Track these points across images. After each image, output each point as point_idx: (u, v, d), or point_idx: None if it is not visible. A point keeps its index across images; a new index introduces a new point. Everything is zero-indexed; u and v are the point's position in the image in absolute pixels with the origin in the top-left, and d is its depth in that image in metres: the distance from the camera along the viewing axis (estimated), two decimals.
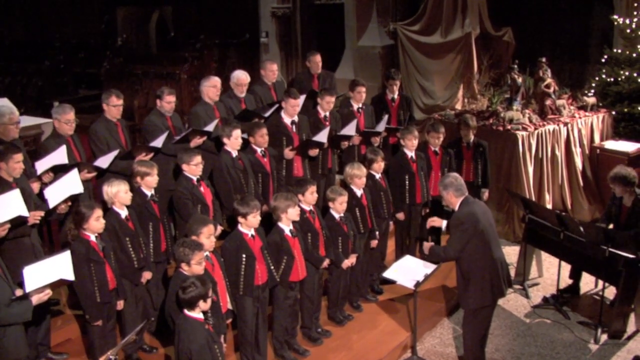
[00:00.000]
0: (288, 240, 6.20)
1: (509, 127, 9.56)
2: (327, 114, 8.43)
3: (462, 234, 5.96)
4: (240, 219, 5.92)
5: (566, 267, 7.93)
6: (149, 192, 6.44)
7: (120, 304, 5.99)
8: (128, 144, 7.51)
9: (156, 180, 6.45)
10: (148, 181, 6.39)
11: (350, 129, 8.26)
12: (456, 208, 6.10)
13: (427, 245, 6.41)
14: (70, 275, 5.27)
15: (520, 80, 9.96)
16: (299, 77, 10.16)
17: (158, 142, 7.25)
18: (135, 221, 6.22)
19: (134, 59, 13.14)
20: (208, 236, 5.56)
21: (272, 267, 6.09)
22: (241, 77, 8.49)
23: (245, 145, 7.42)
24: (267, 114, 8.27)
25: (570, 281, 8.03)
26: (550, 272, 8.40)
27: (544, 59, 10.01)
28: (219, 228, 6.81)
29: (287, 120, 8.01)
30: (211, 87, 8.05)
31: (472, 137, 8.49)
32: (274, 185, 7.58)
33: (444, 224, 6.38)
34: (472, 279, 6.01)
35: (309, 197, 6.52)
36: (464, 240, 5.96)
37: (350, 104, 8.84)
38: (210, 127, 7.60)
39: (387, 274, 6.67)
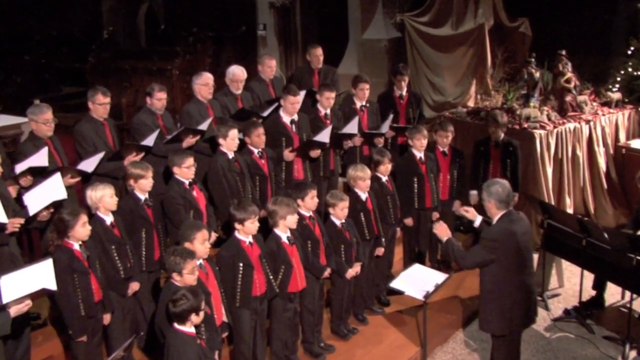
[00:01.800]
0: (285, 248, 6.21)
1: (525, 125, 9.56)
2: (328, 111, 8.46)
3: (489, 251, 5.74)
4: (237, 225, 5.93)
5: (589, 277, 7.91)
6: (142, 196, 6.45)
7: (106, 318, 5.98)
8: (116, 145, 7.54)
9: (151, 184, 6.46)
10: (142, 184, 6.40)
11: (352, 127, 8.27)
12: (494, 220, 5.85)
13: (443, 229, 6.19)
14: (52, 285, 5.27)
15: (537, 74, 9.97)
16: (298, 72, 10.19)
17: (149, 141, 7.27)
18: (122, 228, 6.21)
19: (121, 54, 13.15)
20: (202, 242, 5.57)
21: (271, 277, 6.10)
22: (237, 73, 8.51)
23: (242, 146, 7.44)
24: (265, 113, 8.29)
25: (593, 292, 8.00)
26: (572, 282, 8.39)
27: (563, 52, 10.01)
28: (214, 235, 6.80)
29: (286, 119, 8.03)
30: (203, 86, 8.08)
31: (501, 136, 8.45)
32: (272, 188, 7.60)
33: (478, 219, 6.16)
34: (492, 302, 5.86)
35: (309, 202, 6.53)
36: (488, 259, 5.76)
37: (353, 101, 8.86)
38: (203, 126, 7.62)
39: (395, 284, 6.68)
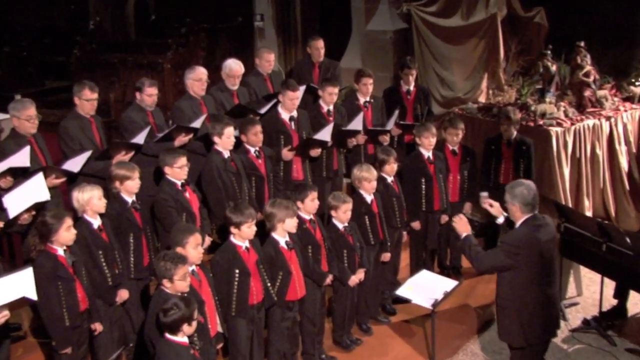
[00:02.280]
0: (283, 253, 6.22)
1: (541, 122, 9.56)
2: (331, 107, 8.47)
3: (508, 256, 5.68)
4: (232, 230, 5.94)
5: (610, 285, 7.89)
6: (129, 199, 6.47)
7: (97, 327, 6.00)
8: (103, 144, 7.57)
9: (138, 185, 6.48)
10: (128, 186, 6.42)
11: (356, 124, 8.29)
12: (517, 224, 5.80)
13: (462, 223, 6.12)
14: (32, 294, 5.28)
15: (554, 68, 9.96)
16: (298, 66, 10.22)
17: (139, 139, 7.29)
18: (110, 232, 6.24)
19: (109, 46, 13.15)
20: (195, 247, 5.58)
21: (269, 284, 6.11)
22: (234, 67, 8.52)
23: (238, 145, 7.46)
24: (263, 110, 8.30)
25: (615, 301, 7.98)
26: (591, 290, 8.38)
27: (582, 43, 10.00)
28: (208, 239, 6.84)
29: (284, 115, 8.06)
30: (196, 81, 8.10)
31: (514, 133, 8.45)
32: (270, 190, 7.61)
33: (502, 217, 6.08)
34: (510, 312, 5.83)
35: (309, 205, 6.55)
36: (507, 264, 5.70)
37: (356, 97, 8.89)
38: (196, 124, 7.64)
39: (401, 291, 6.68)
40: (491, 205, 6.18)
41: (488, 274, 6.02)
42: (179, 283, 5.22)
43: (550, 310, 5.88)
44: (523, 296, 5.74)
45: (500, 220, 6.11)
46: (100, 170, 6.99)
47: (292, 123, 8.07)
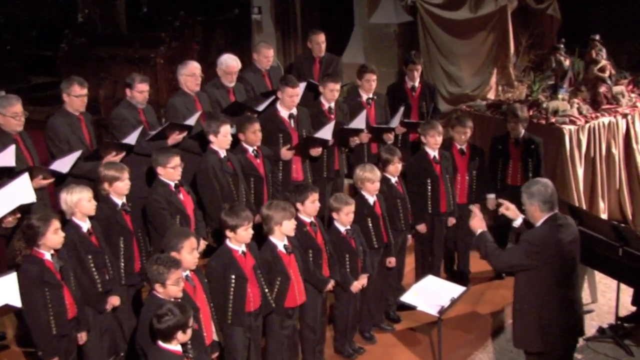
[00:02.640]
0: (282, 257, 6.23)
1: (553, 120, 9.57)
2: (332, 105, 8.48)
3: (527, 255, 5.66)
4: (228, 233, 5.94)
5: (627, 291, 7.89)
6: (119, 201, 6.48)
7: (81, 337, 5.99)
8: (93, 142, 7.57)
9: (127, 186, 6.49)
10: (118, 187, 6.43)
11: (359, 122, 8.30)
12: (537, 224, 5.78)
13: (478, 220, 6.08)
14: (16, 301, 5.28)
15: (567, 62, 9.97)
16: (298, 62, 10.21)
17: (131, 139, 7.29)
18: (100, 235, 6.24)
19: (98, 40, 13.13)
20: (190, 251, 5.58)
21: (267, 290, 6.12)
22: (231, 64, 8.52)
23: (235, 144, 7.46)
24: (260, 107, 8.31)
25: (633, 308, 7.99)
26: (607, 296, 8.39)
27: (597, 37, 10.01)
28: (202, 243, 6.85)
29: (284, 113, 8.06)
30: (189, 76, 8.10)
31: (522, 132, 8.47)
32: (268, 191, 7.62)
33: (519, 219, 6.04)
34: (528, 315, 5.82)
35: (310, 207, 6.56)
36: (525, 263, 5.69)
37: (358, 94, 8.90)
38: (191, 121, 7.65)
39: (406, 298, 6.68)
40: (507, 209, 6.12)
41: (505, 272, 5.99)
42: (171, 288, 5.21)
43: (571, 315, 5.85)
44: (542, 298, 5.72)
45: (518, 222, 6.07)
46: (89, 172, 6.99)
47: (292, 121, 8.07)
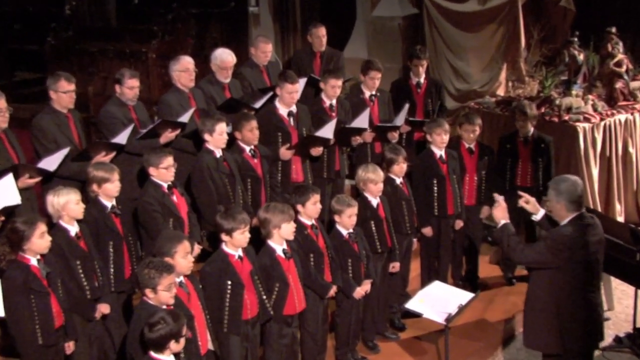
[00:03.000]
0: (280, 262, 6.23)
1: (566, 117, 9.57)
2: (334, 102, 8.49)
3: (552, 254, 5.69)
4: (224, 237, 5.94)
5: None
6: (108, 203, 6.48)
7: (69, 347, 5.97)
8: (82, 141, 7.56)
9: (117, 188, 6.50)
10: (107, 189, 6.43)
11: (362, 121, 8.30)
12: (562, 223, 5.80)
13: (501, 209, 6.12)
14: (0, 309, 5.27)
15: (581, 57, 9.98)
16: (297, 56, 10.23)
17: (121, 138, 7.29)
18: (89, 240, 6.24)
19: (87, 33, 13.12)
20: (184, 256, 5.57)
21: (265, 297, 6.12)
22: (226, 59, 8.53)
23: (231, 143, 7.46)
24: (257, 104, 8.31)
25: None
26: (624, 304, 8.39)
27: (613, 29, 10.00)
28: (197, 247, 6.85)
29: (282, 111, 8.06)
30: (182, 72, 8.09)
31: (530, 130, 8.48)
32: (266, 193, 7.62)
33: (540, 213, 6.10)
34: (544, 315, 5.85)
35: (311, 209, 6.57)
36: (549, 261, 5.73)
37: (361, 90, 8.91)
38: (184, 118, 7.65)
39: (411, 305, 6.67)
40: (527, 202, 6.20)
41: (525, 266, 5.98)
42: (163, 294, 5.20)
43: (592, 318, 5.87)
44: (563, 300, 5.76)
45: (539, 216, 6.14)
46: (77, 173, 6.99)
47: (291, 119, 8.07)
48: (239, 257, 5.98)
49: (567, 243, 5.68)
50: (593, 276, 5.83)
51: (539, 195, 8.28)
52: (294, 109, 8.09)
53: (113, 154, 7.24)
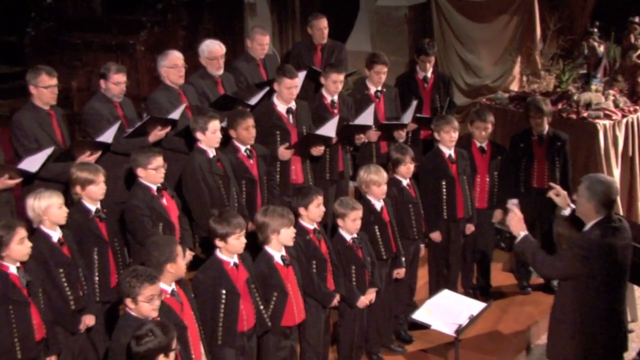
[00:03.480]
0: (279, 270, 6.23)
1: (585, 114, 9.58)
2: (335, 98, 8.50)
3: (582, 263, 5.65)
4: (218, 242, 5.94)
5: None
6: (93, 207, 6.49)
7: None
8: (66, 140, 7.56)
9: (103, 190, 6.50)
10: (92, 191, 6.44)
11: (366, 118, 8.31)
12: (588, 226, 5.78)
13: (517, 220, 6.07)
14: None
15: (601, 49, 9.98)
16: (296, 50, 10.22)
17: (107, 137, 7.28)
18: (72, 246, 6.24)
19: (70, 24, 13.12)
20: (182, 258, 5.61)
21: (262, 307, 6.12)
22: (214, 48, 8.53)
23: (225, 142, 7.46)
24: (253, 101, 8.31)
25: None
26: None
27: (636, 19, 10.00)
28: (189, 254, 6.83)
29: (281, 107, 8.07)
30: (171, 69, 8.09)
31: (545, 128, 8.48)
32: (263, 195, 7.62)
33: (569, 209, 6.07)
34: (566, 326, 5.84)
35: (314, 212, 6.59)
36: (581, 272, 5.68)
37: (366, 86, 8.92)
38: (175, 115, 7.65)
39: (418, 315, 6.66)
40: (557, 194, 6.19)
41: (555, 280, 5.96)
42: (143, 305, 5.15)
43: (616, 328, 5.86)
44: (586, 309, 5.74)
45: (567, 212, 6.14)
46: (60, 174, 6.99)
47: (290, 116, 8.08)
48: (234, 264, 5.98)
49: (594, 250, 5.64)
50: (619, 284, 5.81)
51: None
52: (293, 105, 8.10)
53: (98, 154, 7.25)
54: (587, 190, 5.74)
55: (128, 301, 5.18)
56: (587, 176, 5.93)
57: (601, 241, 5.65)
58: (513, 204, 8.07)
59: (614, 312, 5.82)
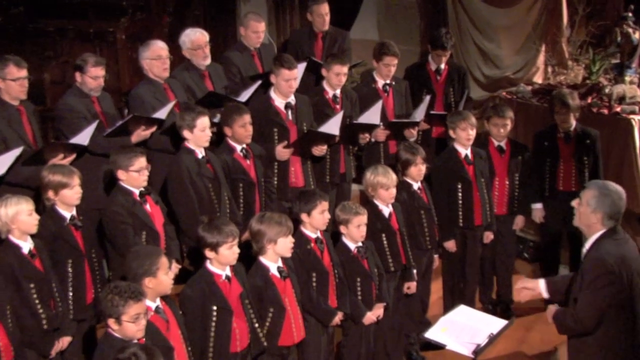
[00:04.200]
0: (275, 283, 6.23)
1: (618, 109, 9.56)
2: (338, 92, 8.52)
3: (605, 288, 5.63)
4: (208, 253, 5.93)
5: None
6: (67, 214, 6.50)
7: None
8: (37, 140, 7.56)
9: (78, 195, 6.50)
10: (66, 196, 6.44)
11: (372, 116, 8.32)
12: (591, 240, 5.80)
13: (551, 310, 6.09)
14: None
15: (636, 36, 9.96)
16: (295, 38, 10.24)
17: (83, 138, 7.26)
18: (45, 258, 6.22)
19: (42, 10, 13.13)
20: (167, 271, 5.58)
21: (257, 325, 6.11)
22: (195, 36, 8.56)
23: (217, 141, 7.49)
24: (244, 97, 8.31)
25: None
26: None
27: None
28: (175, 266, 6.71)
29: (279, 102, 8.08)
30: (154, 61, 8.10)
31: (572, 124, 8.45)
32: (261, 200, 7.64)
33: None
34: (587, 346, 5.84)
35: (318, 219, 6.61)
36: (608, 299, 5.65)
37: (373, 79, 8.95)
38: (161, 113, 7.64)
39: (432, 334, 6.63)
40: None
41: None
42: (128, 326, 5.14)
43: (636, 341, 5.85)
44: (605, 323, 5.73)
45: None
46: (29, 178, 6.98)
47: (289, 112, 8.09)
48: (226, 277, 5.97)
49: (613, 265, 5.61)
50: (635, 294, 5.76)
51: None
52: (292, 100, 8.11)
53: (73, 157, 7.23)
54: (594, 200, 5.72)
55: (111, 322, 5.15)
56: (594, 182, 5.93)
57: (617, 254, 5.64)
58: (537, 209, 8.07)
59: (633, 324, 5.78)
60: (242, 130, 7.41)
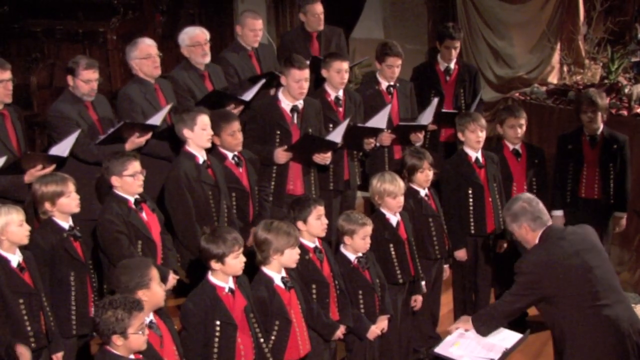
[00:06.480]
0: (280, 294, 6.24)
1: (638, 109, 9.62)
2: (341, 93, 8.54)
3: (532, 290, 5.95)
4: (214, 264, 5.89)
5: None
6: (65, 224, 6.51)
7: None
8: (21, 147, 7.55)
9: (76, 201, 6.51)
10: (64, 204, 6.45)
11: (379, 120, 8.37)
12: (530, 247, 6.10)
13: (464, 321, 6.40)
14: None
15: None
16: (287, 41, 10.17)
17: (62, 149, 7.22)
18: (35, 272, 6.20)
19: (28, 9, 13.18)
20: (159, 282, 5.58)
21: (262, 340, 6.11)
22: (195, 33, 8.60)
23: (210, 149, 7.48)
24: (248, 96, 8.35)
25: None
26: None
27: None
28: (173, 277, 6.77)
29: (285, 104, 8.08)
30: (144, 60, 8.12)
31: (600, 126, 8.42)
32: (255, 209, 7.69)
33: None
34: (568, 350, 5.99)
35: (315, 225, 6.62)
36: (533, 300, 6.01)
37: (376, 80, 8.97)
38: (155, 119, 7.67)
39: (442, 349, 6.63)
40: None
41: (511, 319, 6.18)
42: (135, 338, 5.11)
43: (617, 336, 5.96)
44: (578, 325, 5.90)
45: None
46: (8, 189, 7.01)
47: (295, 115, 8.08)
48: (230, 289, 5.96)
49: (539, 269, 5.88)
50: (598, 289, 5.92)
51: (608, 210, 8.34)
52: (300, 103, 8.07)
53: (52, 168, 7.16)
54: (510, 218, 6.07)
55: (115, 338, 5.09)
56: (506, 205, 6.23)
57: (545, 258, 5.91)
58: (557, 217, 8.10)
59: (607, 319, 5.91)
60: (230, 139, 7.42)
